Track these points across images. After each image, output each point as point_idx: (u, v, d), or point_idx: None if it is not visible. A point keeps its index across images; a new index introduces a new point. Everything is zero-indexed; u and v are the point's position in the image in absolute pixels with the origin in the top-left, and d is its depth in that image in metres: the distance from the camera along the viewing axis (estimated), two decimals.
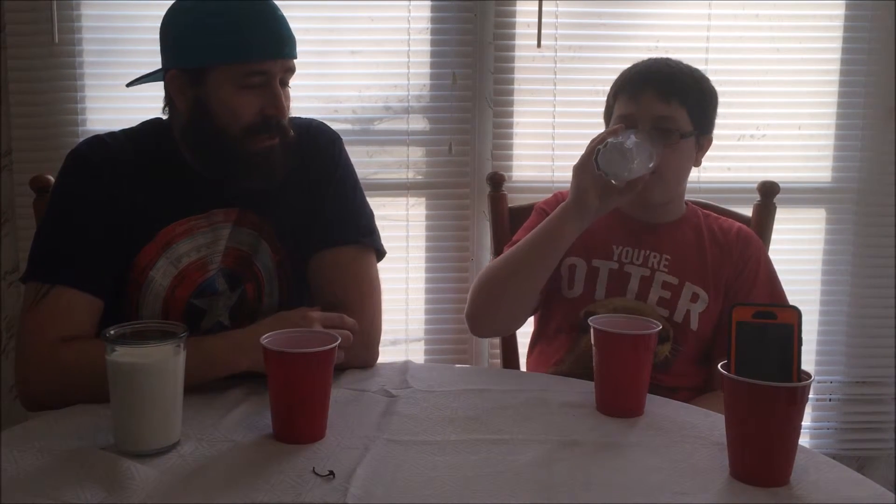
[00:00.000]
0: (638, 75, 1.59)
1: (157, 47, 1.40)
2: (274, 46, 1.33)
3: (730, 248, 1.60)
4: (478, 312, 1.59)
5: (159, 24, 1.39)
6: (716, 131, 2.28)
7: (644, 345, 1.21)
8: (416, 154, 2.27)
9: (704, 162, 2.33)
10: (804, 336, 1.00)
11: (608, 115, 1.66)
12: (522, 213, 1.80)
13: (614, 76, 1.66)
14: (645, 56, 1.67)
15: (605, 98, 1.68)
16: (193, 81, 1.34)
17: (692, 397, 1.51)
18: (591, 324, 1.22)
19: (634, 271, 1.58)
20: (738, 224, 1.67)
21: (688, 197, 1.76)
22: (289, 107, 1.39)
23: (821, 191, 2.34)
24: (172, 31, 1.37)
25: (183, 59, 1.35)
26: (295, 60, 1.39)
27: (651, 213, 1.62)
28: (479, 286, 1.58)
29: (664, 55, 1.66)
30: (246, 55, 1.31)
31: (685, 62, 1.63)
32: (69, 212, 1.35)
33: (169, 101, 1.41)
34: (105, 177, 1.36)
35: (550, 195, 1.71)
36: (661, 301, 1.56)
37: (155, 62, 1.45)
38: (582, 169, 1.48)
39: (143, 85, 1.47)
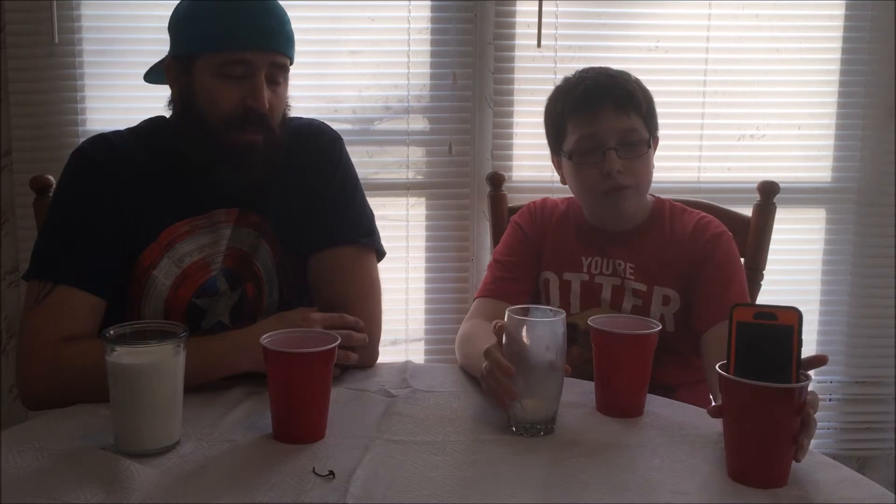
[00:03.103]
0: (590, 92, 1.53)
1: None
2: (257, 37, 1.32)
3: (686, 242, 1.56)
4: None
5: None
6: (716, 131, 2.31)
7: (644, 345, 1.21)
8: (416, 154, 2.27)
9: (704, 162, 2.34)
10: (804, 336, 1.00)
11: (559, 138, 1.57)
12: None
13: None
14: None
15: None
16: (183, 70, 1.35)
17: (693, 390, 1.51)
18: (591, 324, 1.22)
19: (605, 281, 1.57)
20: (698, 216, 1.60)
21: (689, 197, 1.75)
22: (282, 106, 1.38)
23: (821, 191, 2.34)
24: (172, 22, 1.38)
25: (175, 47, 1.37)
26: (294, 60, 1.38)
27: (614, 221, 1.58)
28: (457, 350, 1.49)
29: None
30: (227, 44, 1.31)
31: (617, 69, 1.58)
32: (73, 211, 1.35)
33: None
34: (109, 176, 1.36)
35: (524, 207, 1.69)
36: (635, 308, 1.54)
37: (154, 62, 1.46)
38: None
39: (143, 84, 1.48)
